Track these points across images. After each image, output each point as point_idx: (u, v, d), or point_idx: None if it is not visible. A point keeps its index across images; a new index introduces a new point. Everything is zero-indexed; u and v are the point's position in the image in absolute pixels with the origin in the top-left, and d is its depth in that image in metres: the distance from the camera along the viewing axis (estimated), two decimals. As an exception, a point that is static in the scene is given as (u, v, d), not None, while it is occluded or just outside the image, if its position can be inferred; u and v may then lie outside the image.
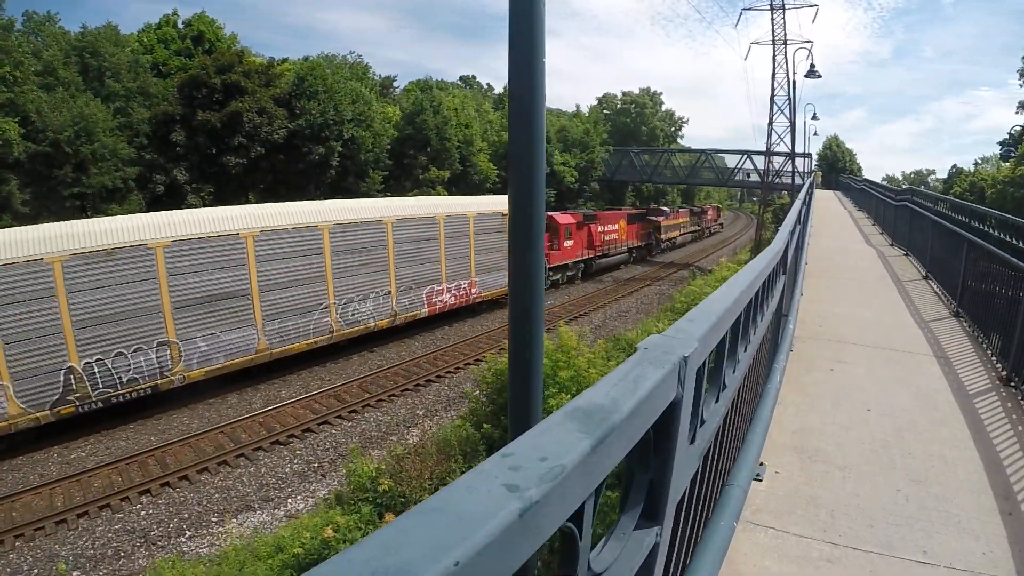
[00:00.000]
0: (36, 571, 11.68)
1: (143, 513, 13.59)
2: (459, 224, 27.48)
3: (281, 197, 33.11)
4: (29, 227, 16.27)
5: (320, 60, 47.50)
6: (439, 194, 42.92)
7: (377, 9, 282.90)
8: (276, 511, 13.96)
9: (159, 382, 17.71)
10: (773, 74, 55.07)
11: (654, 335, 1.81)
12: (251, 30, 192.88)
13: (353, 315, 23.04)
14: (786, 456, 4.87)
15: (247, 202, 33.28)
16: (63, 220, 19.49)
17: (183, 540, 12.79)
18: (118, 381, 16.85)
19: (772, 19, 54.03)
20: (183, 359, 18.09)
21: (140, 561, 12.20)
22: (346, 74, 45.64)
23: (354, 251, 22.74)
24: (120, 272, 16.61)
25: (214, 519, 13.44)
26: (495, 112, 61.52)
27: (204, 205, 32.23)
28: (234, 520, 13.33)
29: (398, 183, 44.69)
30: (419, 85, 56.21)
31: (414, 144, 45.36)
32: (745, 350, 3.02)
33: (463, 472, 9.55)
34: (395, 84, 57.89)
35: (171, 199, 33.88)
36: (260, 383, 20.47)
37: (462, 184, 48.10)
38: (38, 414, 15.40)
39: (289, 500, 14.41)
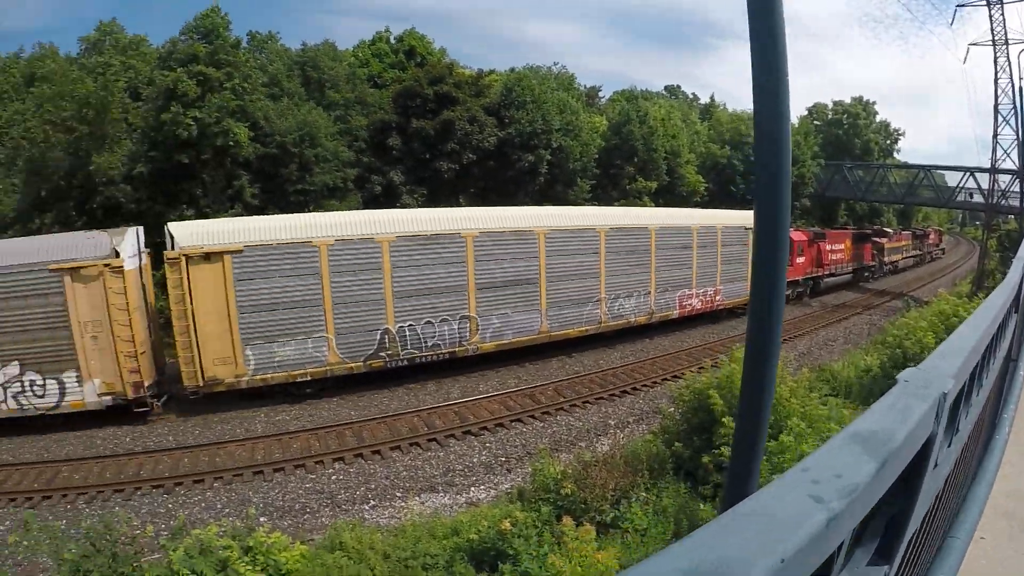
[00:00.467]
0: (228, 511, 12.90)
1: (333, 478, 14.56)
2: (709, 235, 29.44)
3: (491, 202, 34.30)
4: (363, 211, 20.49)
5: (526, 71, 48.16)
6: (645, 205, 41.74)
7: (582, 19, 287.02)
8: (458, 496, 14.31)
9: (456, 350, 20.81)
10: (996, 79, 46.18)
11: (910, 368, 1.83)
12: (458, 43, 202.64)
13: (618, 310, 25.57)
14: (995, 521, 4.03)
15: (458, 205, 34.90)
16: (287, 213, 22.43)
17: (366, 508, 13.47)
18: (423, 344, 20.15)
19: (990, 16, 45.37)
20: (479, 332, 21.09)
21: (323, 519, 13.02)
22: (552, 85, 45.87)
23: (623, 253, 25.32)
24: (437, 254, 19.79)
25: (398, 494, 14.05)
26: (702, 123, 59.14)
27: (418, 206, 34.61)
28: (417, 498, 13.82)
29: (604, 192, 44.45)
30: (624, 95, 55.53)
31: (621, 154, 44.93)
32: (977, 394, 2.81)
33: (648, 488, 8.86)
34: (600, 94, 57.55)
35: (387, 199, 36.22)
36: (459, 375, 21.47)
37: (668, 196, 46.71)
38: (352, 364, 18.66)
39: (472, 488, 14.69)
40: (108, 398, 16.97)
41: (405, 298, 19.41)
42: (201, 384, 17.03)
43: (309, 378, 18.40)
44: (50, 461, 15.80)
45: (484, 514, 12.32)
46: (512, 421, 17.93)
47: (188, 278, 16.83)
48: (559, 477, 12.72)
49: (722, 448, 12.54)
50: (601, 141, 45.12)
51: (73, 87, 32.72)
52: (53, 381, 16.90)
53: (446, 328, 20.42)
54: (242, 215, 28.92)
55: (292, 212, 27.53)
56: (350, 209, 31.89)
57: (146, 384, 17.11)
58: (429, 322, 20.04)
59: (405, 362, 19.80)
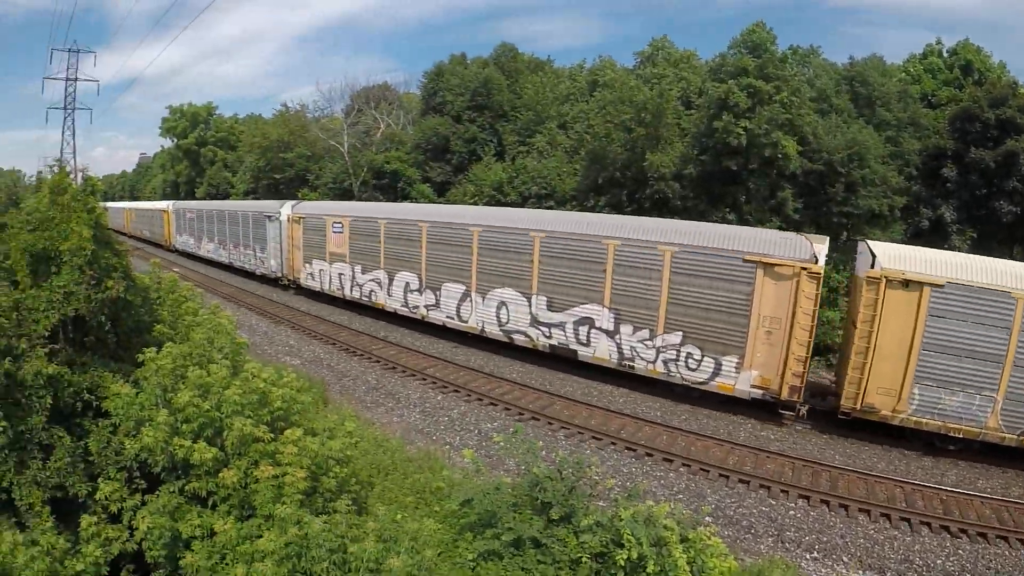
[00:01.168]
0: (681, 496, 11.22)
1: (790, 512, 13.41)
2: None
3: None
4: (995, 260, 17.33)
5: None
6: None
7: None
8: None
9: None
10: None
11: None
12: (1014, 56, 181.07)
13: None
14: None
15: (1011, 255, 29.72)
16: (825, 235, 21.01)
17: (807, 557, 12.07)
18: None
19: None
20: None
21: (762, 547, 12.26)
22: None
23: None
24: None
25: (844, 559, 11.99)
26: None
27: (966, 250, 29.69)
28: (859, 573, 11.82)
29: None
30: None
31: None
32: None
33: None
34: None
35: (933, 236, 32.91)
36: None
37: None
38: (1006, 435, 15.89)
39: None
40: (758, 391, 17.59)
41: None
42: (856, 408, 16.39)
43: (960, 435, 16.23)
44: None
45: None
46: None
47: (881, 301, 16.27)
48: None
49: None
50: None
51: (631, 94, 36.87)
52: (711, 360, 18.25)
53: None
54: (782, 228, 29.98)
55: (831, 233, 28.04)
56: (892, 240, 30.90)
57: (801, 389, 17.09)
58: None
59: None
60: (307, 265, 34.07)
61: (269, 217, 37.90)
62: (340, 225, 30.86)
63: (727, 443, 16.41)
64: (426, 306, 26.37)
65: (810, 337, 16.87)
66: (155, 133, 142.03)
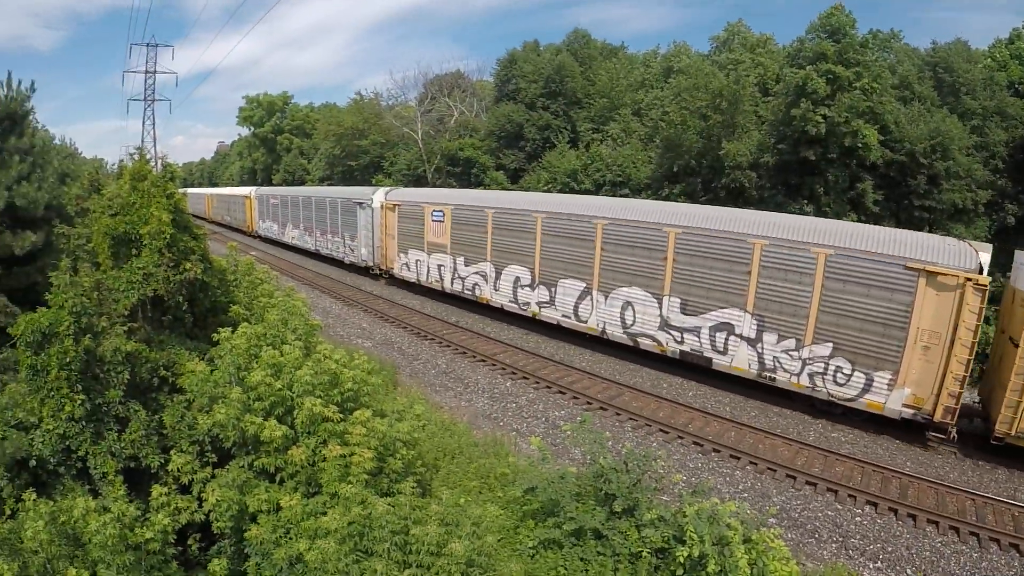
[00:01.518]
0: (746, 495, 11.28)
1: (857, 519, 12.80)
2: None
3: None
4: None
5: None
6: None
7: None
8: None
9: None
10: None
11: None
12: None
13: None
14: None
15: None
16: (905, 229, 20.18)
17: (870, 566, 11.42)
18: None
19: None
20: None
21: (825, 553, 11.73)
22: None
23: None
24: None
25: (909, 571, 11.44)
26: None
27: None
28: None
29: None
30: None
31: None
32: None
33: None
34: None
35: (1020, 233, 31.62)
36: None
37: None
38: None
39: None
40: (909, 411, 15.90)
41: None
42: (1011, 433, 15.06)
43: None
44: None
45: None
46: None
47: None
48: None
49: None
50: None
51: (707, 80, 36.10)
52: (862, 375, 16.45)
53: None
54: (862, 221, 29.00)
55: (913, 228, 26.78)
56: (975, 238, 29.58)
57: (956, 411, 15.49)
58: None
59: None
60: (402, 255, 32.26)
61: (360, 204, 36.16)
62: (441, 213, 28.88)
63: (796, 443, 15.82)
64: (538, 303, 24.29)
65: (970, 355, 15.21)
66: (233, 122, 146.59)
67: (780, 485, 13.99)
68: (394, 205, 32.59)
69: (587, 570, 8.80)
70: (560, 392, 18.75)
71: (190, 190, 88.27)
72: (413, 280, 31.67)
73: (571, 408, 17.75)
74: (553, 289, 23.61)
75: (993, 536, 12.09)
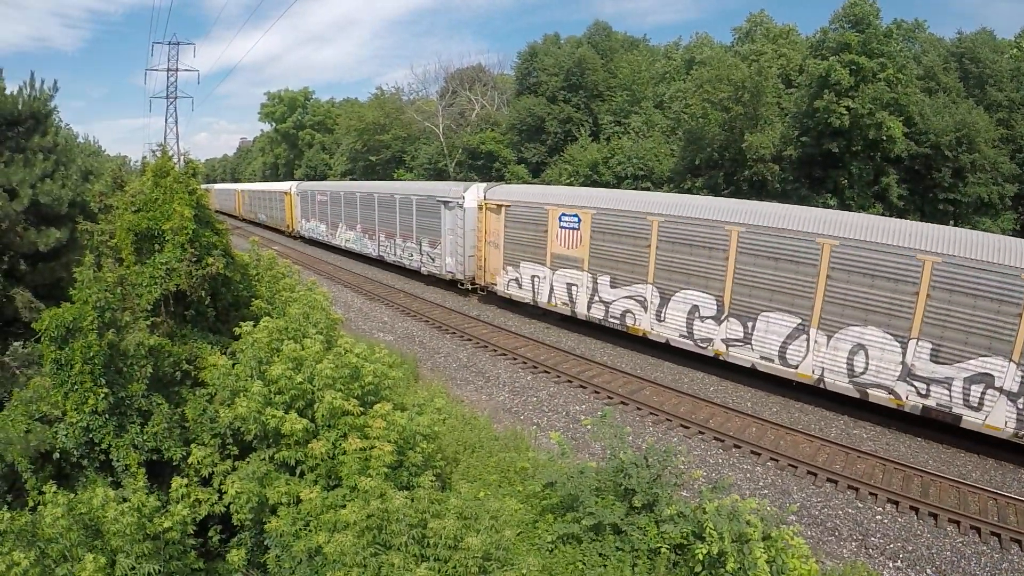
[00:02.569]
0: (766, 492, 11.45)
1: (877, 517, 12.63)
2: None
3: None
4: None
5: None
6: None
7: None
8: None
9: None
10: None
11: None
12: None
13: None
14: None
15: None
16: (930, 223, 19.51)
17: (890, 565, 11.23)
18: None
19: None
20: None
21: (844, 551, 11.54)
22: None
23: None
24: None
25: (929, 571, 11.17)
26: None
27: None
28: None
29: None
30: None
31: None
32: None
33: None
34: None
35: None
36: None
37: None
38: None
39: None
40: None
41: None
42: None
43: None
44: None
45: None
46: None
47: None
48: None
49: None
50: None
51: (729, 72, 35.79)
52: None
53: None
54: (884, 215, 28.61)
55: (937, 222, 26.34)
56: (1003, 231, 29.17)
57: None
58: None
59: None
60: (509, 268, 25.91)
61: (446, 203, 29.55)
62: (575, 219, 22.78)
63: (818, 439, 15.62)
64: (726, 340, 19.10)
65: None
66: (255, 118, 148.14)
67: (801, 482, 13.84)
68: (499, 205, 26.33)
69: (605, 565, 8.78)
70: (581, 386, 18.73)
71: (217, 186, 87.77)
72: (526, 300, 25.58)
73: (592, 402, 17.72)
74: (750, 324, 18.57)
75: (1015, 537, 11.84)
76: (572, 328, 24.29)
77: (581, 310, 22.97)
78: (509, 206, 25.92)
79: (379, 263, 38.65)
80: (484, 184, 30.11)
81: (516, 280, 25.92)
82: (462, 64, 68.99)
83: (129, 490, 7.56)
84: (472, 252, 28.69)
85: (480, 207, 27.47)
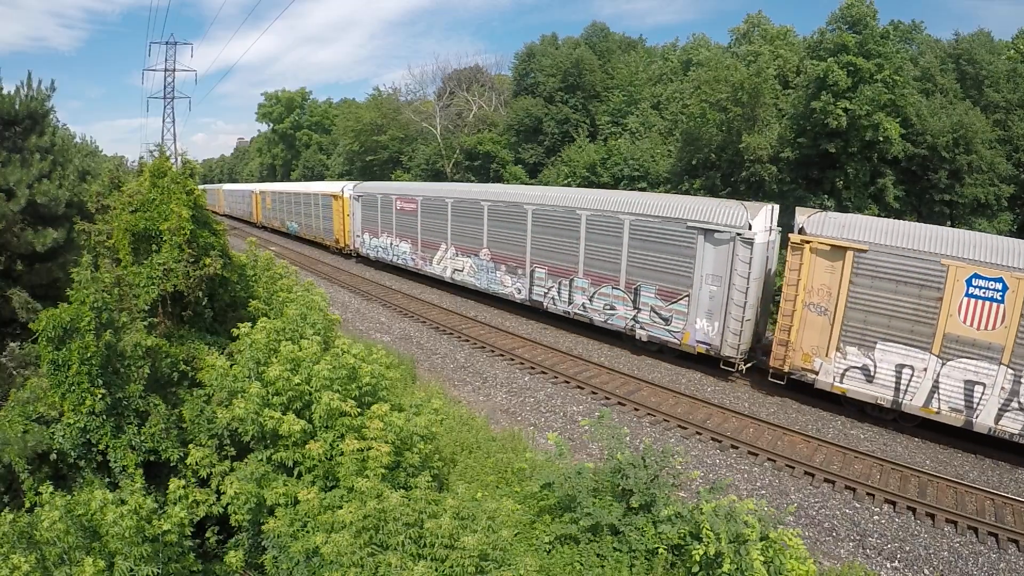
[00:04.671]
0: (764, 492, 11.25)
1: (875, 517, 12.64)
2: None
3: None
4: None
5: None
6: None
7: None
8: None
9: None
10: None
11: None
12: None
13: None
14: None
15: None
16: (927, 223, 19.26)
17: (887, 566, 11.23)
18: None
19: None
20: None
21: (841, 551, 11.56)
22: None
23: None
24: None
25: (927, 571, 11.16)
26: None
27: None
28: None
29: None
30: None
31: None
32: None
33: None
34: None
35: None
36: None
37: None
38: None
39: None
40: None
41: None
42: None
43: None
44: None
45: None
46: None
47: None
48: None
49: None
50: None
51: (726, 73, 35.82)
52: None
53: None
54: (879, 216, 28.59)
55: (934, 223, 26.25)
56: (998, 232, 29.19)
57: None
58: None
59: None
60: (850, 349, 16.48)
61: (710, 233, 18.83)
62: (996, 285, 14.64)
63: (815, 440, 15.64)
64: None
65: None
66: (252, 119, 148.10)
67: (798, 482, 13.86)
68: (838, 247, 16.51)
69: (603, 566, 8.80)
70: (579, 387, 18.74)
71: (226, 186, 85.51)
72: (878, 400, 16.32)
73: (589, 403, 17.72)
74: None
75: (1012, 537, 11.89)
76: (570, 328, 24.26)
77: (985, 420, 15.00)
78: (864, 251, 16.04)
79: (523, 307, 26.49)
80: (769, 205, 19.59)
81: (862, 369, 16.56)
82: (459, 65, 69.24)
83: (127, 491, 7.54)
84: (751, 313, 18.88)
85: (793, 245, 17.29)
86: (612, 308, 21.95)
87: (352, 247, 40.46)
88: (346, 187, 41.00)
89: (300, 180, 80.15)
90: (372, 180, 53.98)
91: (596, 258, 22.27)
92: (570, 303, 23.42)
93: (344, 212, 41.07)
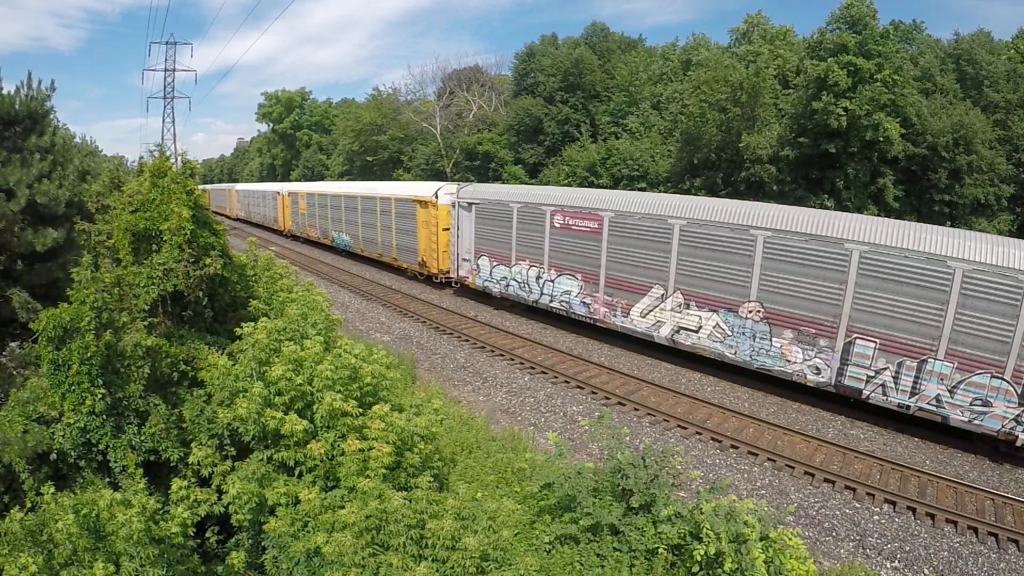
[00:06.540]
0: (764, 492, 11.02)
1: (874, 517, 12.63)
2: None
3: None
4: None
5: None
6: None
7: None
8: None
9: None
10: None
11: None
12: None
13: None
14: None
15: None
16: (928, 224, 18.27)
17: (887, 566, 11.23)
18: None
19: None
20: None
21: (842, 552, 11.58)
22: None
23: None
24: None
25: (926, 571, 11.08)
26: None
27: None
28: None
29: None
30: None
31: None
32: None
33: None
34: None
35: None
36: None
37: None
38: None
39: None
40: None
41: None
42: None
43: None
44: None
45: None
46: None
47: None
48: None
49: None
50: None
51: (726, 73, 35.83)
52: None
53: None
54: (879, 216, 28.57)
55: (933, 223, 26.17)
56: (999, 232, 29.20)
57: None
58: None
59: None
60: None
61: None
62: None
63: (815, 440, 15.61)
64: None
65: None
66: (252, 119, 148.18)
67: (798, 482, 13.85)
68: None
69: (603, 566, 8.79)
70: (579, 387, 18.72)
71: (239, 186, 77.59)
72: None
73: (589, 403, 17.71)
74: None
75: (1012, 537, 11.86)
76: (569, 328, 24.25)
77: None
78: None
79: (743, 373, 19.30)
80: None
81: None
82: (459, 65, 69.34)
83: (129, 492, 7.54)
84: None
85: None
86: (985, 403, 14.61)
87: (454, 274, 29.49)
88: (442, 190, 30.54)
89: (300, 180, 79.91)
90: (374, 180, 53.72)
91: (966, 331, 14.50)
92: (913, 394, 15.61)
93: (438, 224, 30.10)
